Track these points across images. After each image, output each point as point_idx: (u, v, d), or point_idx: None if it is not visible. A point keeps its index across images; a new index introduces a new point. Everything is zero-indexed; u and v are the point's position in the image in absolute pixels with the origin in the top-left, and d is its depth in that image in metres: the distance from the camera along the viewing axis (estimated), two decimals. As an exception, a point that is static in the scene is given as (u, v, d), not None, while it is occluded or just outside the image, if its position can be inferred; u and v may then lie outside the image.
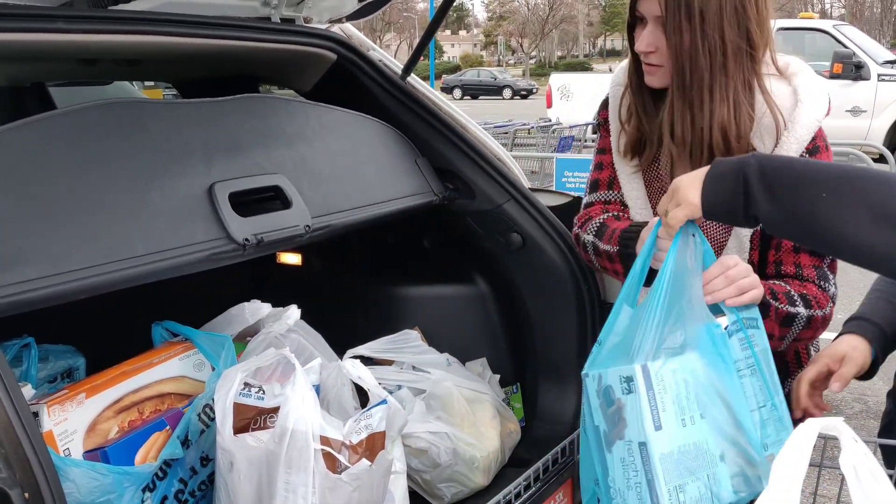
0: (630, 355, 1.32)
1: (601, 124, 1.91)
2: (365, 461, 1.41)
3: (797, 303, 1.58)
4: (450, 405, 1.95)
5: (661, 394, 1.27)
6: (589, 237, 1.83)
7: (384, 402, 1.51)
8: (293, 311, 1.80)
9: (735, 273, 1.43)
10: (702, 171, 1.39)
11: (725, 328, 1.38)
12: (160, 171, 1.56)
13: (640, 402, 1.27)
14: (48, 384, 1.77)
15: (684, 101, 1.61)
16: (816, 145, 1.65)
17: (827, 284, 1.63)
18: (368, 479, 1.41)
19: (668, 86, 1.66)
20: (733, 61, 1.58)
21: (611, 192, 1.88)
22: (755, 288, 1.45)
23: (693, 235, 1.42)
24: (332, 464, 1.40)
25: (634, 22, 1.68)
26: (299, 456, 1.38)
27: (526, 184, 2.27)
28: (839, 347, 1.60)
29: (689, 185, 1.39)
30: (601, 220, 1.83)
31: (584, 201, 1.94)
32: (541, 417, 2.21)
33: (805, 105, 1.65)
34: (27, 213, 1.34)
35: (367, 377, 1.59)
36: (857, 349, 1.59)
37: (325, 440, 1.40)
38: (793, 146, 1.63)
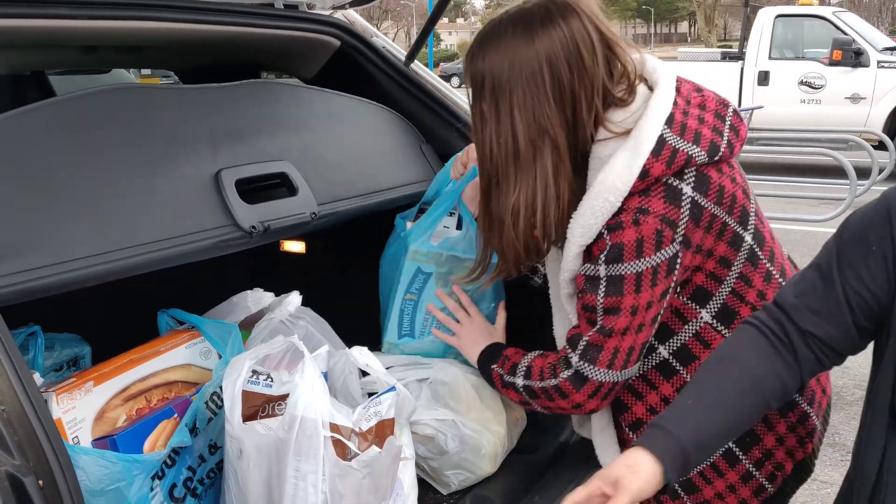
0: None
1: None
2: (375, 448, 1.41)
3: (518, 373, 1.70)
4: (456, 392, 1.94)
5: None
6: None
7: (393, 389, 1.51)
8: (294, 297, 1.80)
9: None
10: None
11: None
12: (166, 157, 1.56)
13: None
14: (54, 372, 1.77)
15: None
16: (619, 221, 1.48)
17: (571, 353, 1.58)
18: (378, 466, 1.41)
19: None
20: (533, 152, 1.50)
21: None
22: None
23: None
24: (342, 451, 1.39)
25: None
26: (309, 443, 1.38)
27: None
28: (613, 468, 1.27)
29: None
30: None
31: None
32: (546, 404, 2.20)
33: (597, 182, 1.48)
34: (33, 201, 1.34)
35: (374, 364, 1.58)
36: (636, 471, 1.25)
37: (334, 427, 1.40)
38: (576, 232, 1.51)
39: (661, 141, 1.46)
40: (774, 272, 1.61)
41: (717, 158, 1.50)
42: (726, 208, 1.51)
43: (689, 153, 1.46)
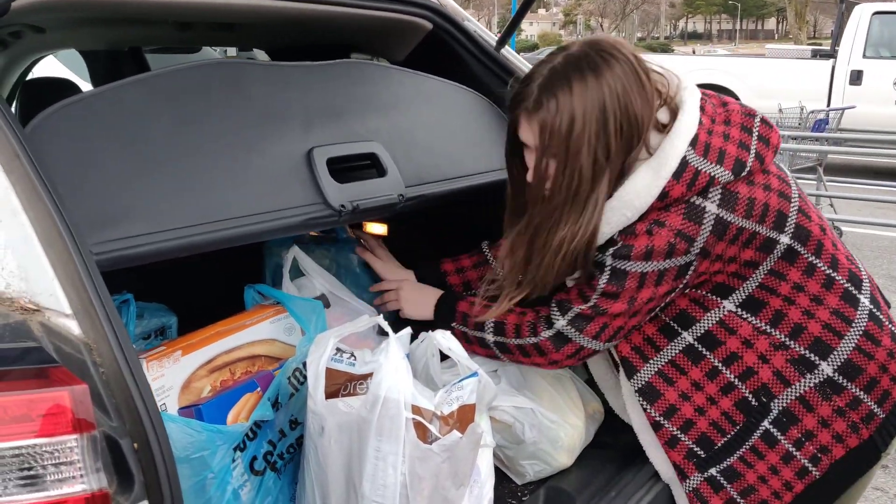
0: None
1: None
2: (456, 433, 1.39)
3: (487, 330, 1.76)
4: (532, 381, 1.92)
5: None
6: None
7: (475, 374, 1.49)
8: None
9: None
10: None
11: None
12: (260, 132, 1.57)
13: None
14: (143, 340, 1.81)
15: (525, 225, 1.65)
16: (633, 227, 1.56)
17: (556, 315, 1.67)
18: (458, 451, 1.40)
19: None
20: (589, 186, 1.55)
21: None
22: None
23: None
24: (423, 434, 1.39)
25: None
26: (391, 424, 1.37)
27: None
28: None
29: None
30: None
31: None
32: (625, 400, 2.16)
33: (616, 198, 1.56)
34: (130, 171, 1.36)
35: (457, 349, 1.57)
36: None
37: (416, 409, 1.39)
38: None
39: (684, 163, 1.51)
40: (821, 265, 1.61)
41: (744, 174, 1.53)
42: (756, 219, 1.54)
43: (712, 174, 1.52)
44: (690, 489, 1.72)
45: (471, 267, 2.01)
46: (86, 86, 3.45)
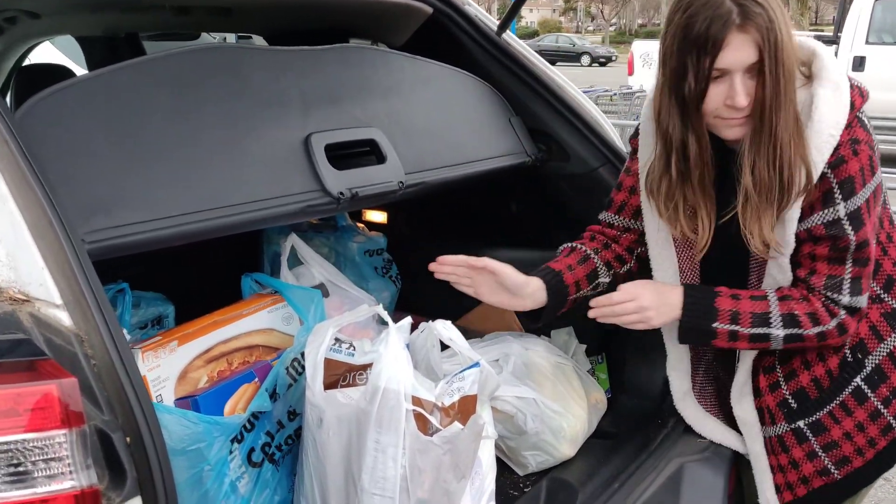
0: None
1: (633, 150, 1.83)
2: (457, 424, 1.37)
3: (774, 324, 1.59)
4: (534, 371, 1.90)
5: None
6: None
7: (477, 364, 1.47)
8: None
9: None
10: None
11: None
12: (258, 119, 1.54)
13: None
14: (139, 330, 1.79)
15: (771, 145, 1.52)
16: (840, 156, 1.53)
17: (837, 295, 1.57)
18: (459, 443, 1.37)
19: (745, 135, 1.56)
20: (792, 94, 1.52)
21: (617, 216, 1.86)
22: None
23: None
24: (424, 425, 1.36)
25: (706, 85, 1.52)
26: (390, 415, 1.35)
27: (622, 148, 2.18)
28: None
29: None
30: (561, 248, 1.87)
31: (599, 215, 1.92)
32: (628, 390, 2.14)
33: (815, 120, 1.53)
34: (126, 157, 1.33)
35: (458, 339, 1.54)
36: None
37: (416, 401, 1.37)
38: (801, 175, 1.54)
39: (849, 79, 1.57)
40: None
41: None
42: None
43: (864, 88, 1.60)
44: (774, 434, 1.72)
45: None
46: (82, 73, 3.41)
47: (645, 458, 1.83)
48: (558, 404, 1.85)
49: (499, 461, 1.77)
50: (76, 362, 0.94)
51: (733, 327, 1.60)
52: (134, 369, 0.98)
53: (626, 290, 1.64)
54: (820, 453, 1.68)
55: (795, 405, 1.69)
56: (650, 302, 1.62)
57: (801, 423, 1.68)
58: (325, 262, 1.96)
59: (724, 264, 1.69)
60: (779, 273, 1.63)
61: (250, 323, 1.66)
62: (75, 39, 3.45)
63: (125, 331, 1.55)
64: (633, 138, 1.82)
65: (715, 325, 1.61)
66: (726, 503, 1.76)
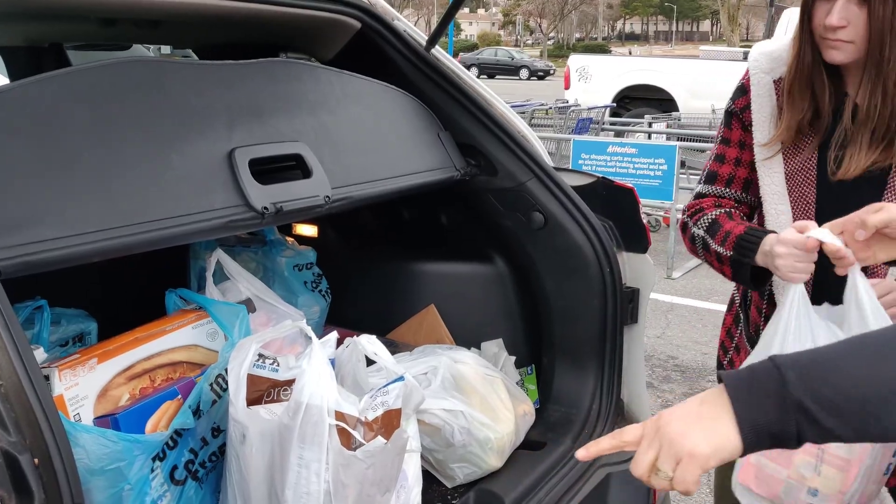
0: None
1: (737, 113, 1.80)
2: (381, 439, 1.38)
3: None
4: (463, 384, 1.92)
5: None
6: (700, 232, 1.76)
7: (401, 378, 1.48)
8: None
9: None
10: (705, 406, 1.01)
11: None
12: (180, 133, 1.52)
13: None
14: (60, 347, 1.75)
15: (878, 76, 1.55)
16: None
17: None
18: (383, 457, 1.38)
19: (852, 61, 1.59)
20: None
21: (728, 189, 1.81)
22: None
23: None
24: (347, 440, 1.36)
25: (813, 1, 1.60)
26: (314, 431, 1.35)
27: (549, 162, 2.22)
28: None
29: (703, 429, 0.99)
30: (713, 216, 1.75)
31: (697, 190, 1.86)
32: (556, 400, 2.16)
33: None
34: (43, 171, 1.30)
35: (382, 353, 1.55)
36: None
37: (340, 416, 1.37)
38: None
39: None
40: None
41: None
42: None
43: None
44: None
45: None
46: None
47: (572, 467, 1.86)
48: (486, 416, 1.86)
49: (426, 473, 1.78)
50: (-19, 383, 0.92)
51: None
52: (44, 390, 0.96)
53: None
54: None
55: None
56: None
57: None
58: (252, 277, 1.95)
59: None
60: None
61: (174, 339, 1.64)
62: (-2, 49, 3.37)
63: (42, 348, 1.52)
64: (739, 97, 1.79)
65: None
66: (650, 511, 1.80)
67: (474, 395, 1.90)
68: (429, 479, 1.81)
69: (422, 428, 1.76)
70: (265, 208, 1.55)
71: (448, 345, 2.21)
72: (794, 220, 1.68)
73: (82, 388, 1.44)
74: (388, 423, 1.41)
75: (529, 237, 2.16)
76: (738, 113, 1.79)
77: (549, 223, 2.11)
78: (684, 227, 1.84)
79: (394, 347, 2.11)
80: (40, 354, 1.50)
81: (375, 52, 2.20)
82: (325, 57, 2.29)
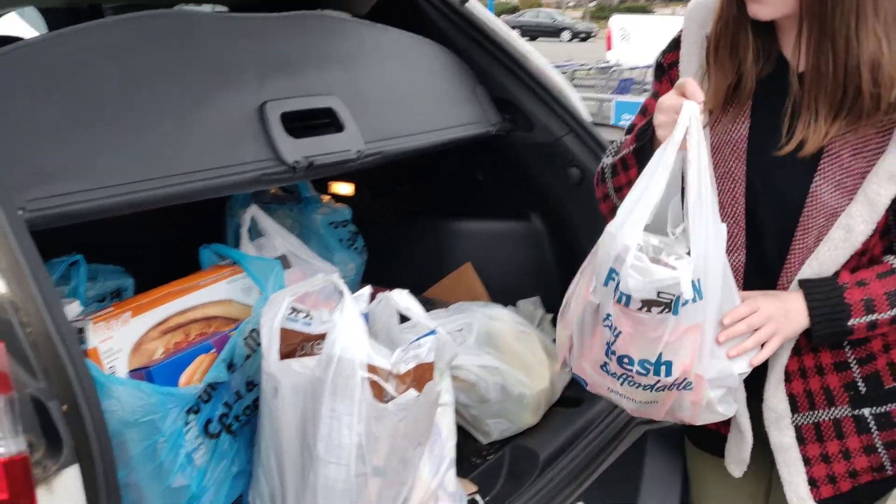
0: None
1: (665, 67, 1.56)
2: (412, 391, 1.36)
3: None
4: (498, 340, 1.90)
5: None
6: (608, 160, 1.55)
7: (433, 332, 1.46)
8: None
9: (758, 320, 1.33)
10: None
11: None
12: (211, 86, 1.51)
13: None
14: (97, 303, 1.76)
15: (823, 33, 1.29)
16: None
17: None
18: (415, 410, 1.37)
19: (779, 17, 1.35)
20: None
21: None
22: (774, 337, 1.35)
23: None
24: (379, 393, 1.35)
25: None
26: (345, 384, 1.34)
27: (587, 117, 2.17)
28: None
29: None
30: (618, 142, 1.56)
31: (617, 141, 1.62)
32: (593, 358, 2.14)
33: None
34: (72, 124, 1.30)
35: (415, 308, 1.54)
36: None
37: (372, 369, 1.36)
38: None
39: None
40: None
41: None
42: None
43: None
44: (829, 418, 1.46)
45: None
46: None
47: (608, 425, 1.84)
48: (521, 373, 1.85)
49: (461, 429, 1.78)
50: (9, 329, 0.92)
51: (871, 317, 1.36)
52: (71, 337, 0.96)
53: (749, 300, 1.37)
54: (880, 449, 1.45)
55: (864, 390, 1.44)
56: (773, 310, 1.36)
57: (866, 412, 1.44)
58: (287, 233, 1.95)
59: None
60: (866, 215, 1.34)
61: (208, 294, 1.64)
62: (38, 11, 3.39)
63: (78, 302, 1.53)
64: (671, 51, 1.54)
65: (851, 322, 1.36)
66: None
67: (509, 352, 1.88)
68: (464, 435, 1.80)
69: (456, 384, 1.75)
70: (297, 162, 1.54)
71: (484, 302, 2.19)
72: (721, 198, 1.44)
73: (116, 341, 1.45)
74: (421, 376, 1.40)
75: (566, 193, 2.13)
76: (665, 68, 1.56)
77: (586, 179, 2.07)
78: (598, 176, 1.60)
79: (429, 304, 2.09)
80: (76, 308, 1.51)
81: (410, 5, 2.16)
82: (361, 10, 2.26)
